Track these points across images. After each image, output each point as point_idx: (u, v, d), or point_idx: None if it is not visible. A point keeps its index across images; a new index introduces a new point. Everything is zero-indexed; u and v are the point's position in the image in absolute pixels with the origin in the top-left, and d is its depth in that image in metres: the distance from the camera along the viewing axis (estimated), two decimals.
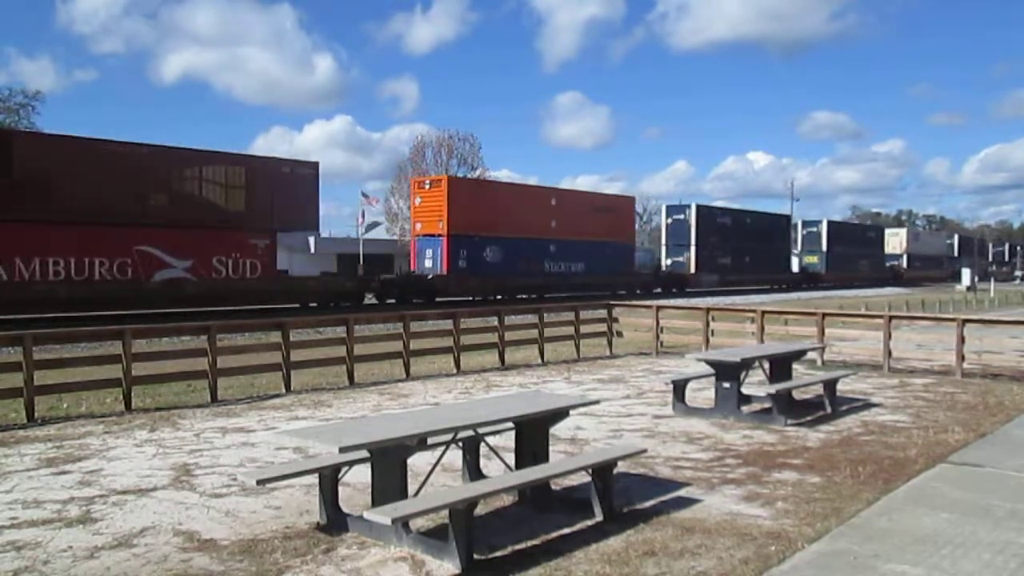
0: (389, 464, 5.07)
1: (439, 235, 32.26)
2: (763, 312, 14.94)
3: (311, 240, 52.21)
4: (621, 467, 6.25)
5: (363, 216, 46.83)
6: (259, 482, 5.29)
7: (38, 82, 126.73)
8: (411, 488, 5.13)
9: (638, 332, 16.68)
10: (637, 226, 69.09)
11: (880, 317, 14.44)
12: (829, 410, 9.44)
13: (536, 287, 35.76)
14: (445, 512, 4.70)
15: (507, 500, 5.82)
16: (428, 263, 32.58)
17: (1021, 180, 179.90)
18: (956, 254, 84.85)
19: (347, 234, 60.81)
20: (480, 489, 4.95)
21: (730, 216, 51.54)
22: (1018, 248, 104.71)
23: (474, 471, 6.24)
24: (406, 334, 12.53)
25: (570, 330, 15.56)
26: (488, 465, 6.35)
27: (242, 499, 5.94)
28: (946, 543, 4.92)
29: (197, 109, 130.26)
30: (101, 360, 10.30)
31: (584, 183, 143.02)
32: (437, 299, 30.41)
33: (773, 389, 8.96)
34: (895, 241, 74.38)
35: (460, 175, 61.44)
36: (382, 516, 4.49)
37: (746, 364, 9.31)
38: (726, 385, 9.13)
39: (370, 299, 30.48)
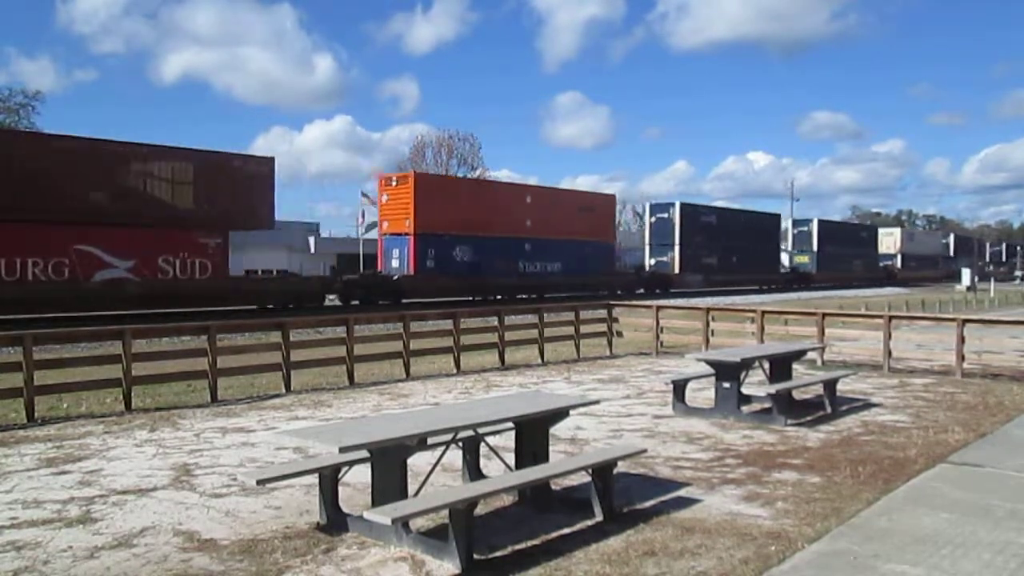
0: (389, 464, 5.07)
1: (406, 234, 31.28)
2: (763, 312, 14.94)
3: (311, 240, 52.31)
4: (621, 467, 6.25)
5: (363, 216, 46.78)
6: (259, 482, 5.29)
7: (38, 82, 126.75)
8: (411, 488, 5.13)
9: (638, 332, 16.69)
10: (636, 227, 69.14)
11: (880, 317, 14.45)
12: (829, 410, 9.44)
13: (510, 287, 34.66)
14: (445, 512, 4.70)
15: (507, 500, 5.82)
16: (395, 263, 31.63)
17: (1021, 180, 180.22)
18: (952, 254, 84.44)
19: (347, 234, 60.87)
20: (480, 489, 4.95)
21: (716, 215, 50.35)
22: (1018, 248, 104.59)
23: (474, 471, 6.24)
24: (406, 334, 12.53)
25: (570, 330, 15.57)
26: (488, 465, 6.35)
27: (242, 499, 5.94)
28: (946, 543, 4.92)
29: (197, 109, 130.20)
30: (101, 360, 10.30)
31: (584, 183, 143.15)
32: (404, 300, 29.41)
33: (773, 389, 8.96)
34: (889, 241, 73.53)
35: (460, 175, 61.58)
36: (382, 516, 4.49)
37: (746, 364, 9.31)
38: (726, 385, 9.13)
39: (332, 300, 29.35)
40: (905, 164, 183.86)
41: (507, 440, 6.18)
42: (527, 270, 36.09)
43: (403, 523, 4.73)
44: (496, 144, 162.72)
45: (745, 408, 9.14)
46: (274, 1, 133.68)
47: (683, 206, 47.42)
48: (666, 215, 46.92)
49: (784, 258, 59.66)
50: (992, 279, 57.32)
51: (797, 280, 55.05)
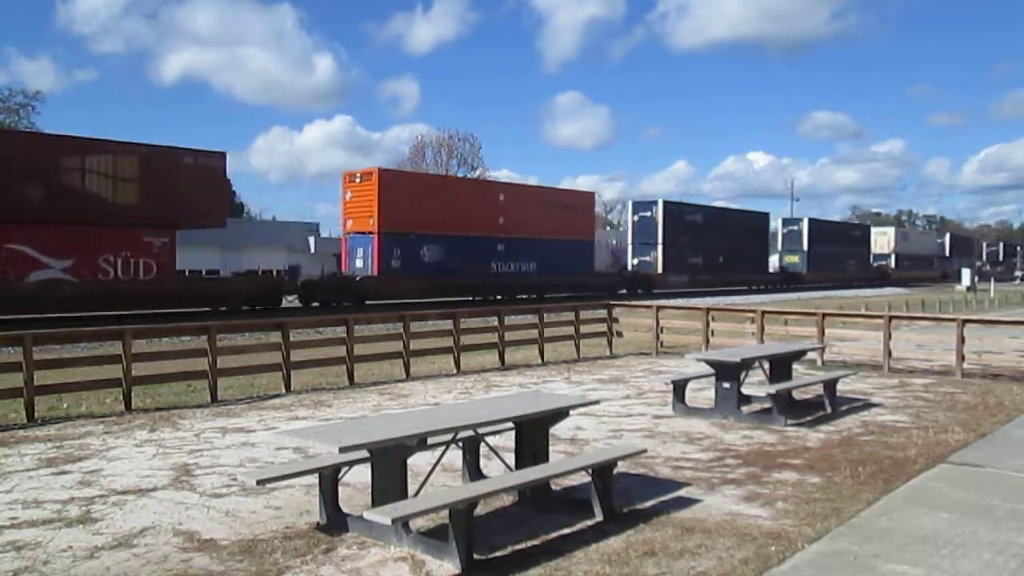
0: (389, 464, 5.07)
1: (370, 233, 29.79)
2: (763, 312, 14.95)
3: (311, 240, 52.29)
4: (621, 467, 6.25)
5: None
6: (259, 482, 5.29)
7: (38, 82, 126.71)
8: (411, 488, 5.13)
9: (638, 332, 16.69)
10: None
11: (880, 317, 14.45)
12: (829, 410, 9.45)
13: (482, 288, 33.23)
14: (445, 512, 4.70)
15: (507, 500, 5.82)
16: (359, 263, 30.20)
17: (1021, 180, 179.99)
18: (947, 254, 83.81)
19: None
20: (480, 489, 4.95)
21: (702, 213, 48.48)
22: (1017, 248, 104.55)
23: (474, 471, 6.24)
24: (406, 334, 12.53)
25: (570, 330, 15.58)
26: (488, 465, 6.35)
27: (242, 499, 5.94)
28: (946, 543, 4.92)
29: (197, 109, 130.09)
30: (101, 360, 10.30)
31: (584, 183, 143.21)
32: (368, 302, 28.45)
33: (773, 389, 8.96)
34: (883, 240, 71.98)
35: (460, 175, 61.57)
36: (382, 516, 4.49)
37: (746, 364, 9.31)
38: (726, 385, 9.13)
39: (291, 301, 28.05)
40: (905, 164, 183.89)
41: (507, 440, 6.18)
42: (500, 270, 34.58)
43: (403, 523, 4.73)
44: (496, 144, 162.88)
45: (745, 408, 9.14)
46: (274, 1, 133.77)
47: (666, 204, 45.56)
48: (649, 213, 44.86)
49: (774, 258, 58.30)
50: (992, 279, 57.21)
51: (787, 280, 53.58)
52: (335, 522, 5.27)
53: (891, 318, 14.02)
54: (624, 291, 39.97)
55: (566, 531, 5.22)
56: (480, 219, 33.38)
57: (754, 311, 15.26)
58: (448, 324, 13.44)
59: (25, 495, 6.05)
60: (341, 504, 5.40)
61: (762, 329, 14.59)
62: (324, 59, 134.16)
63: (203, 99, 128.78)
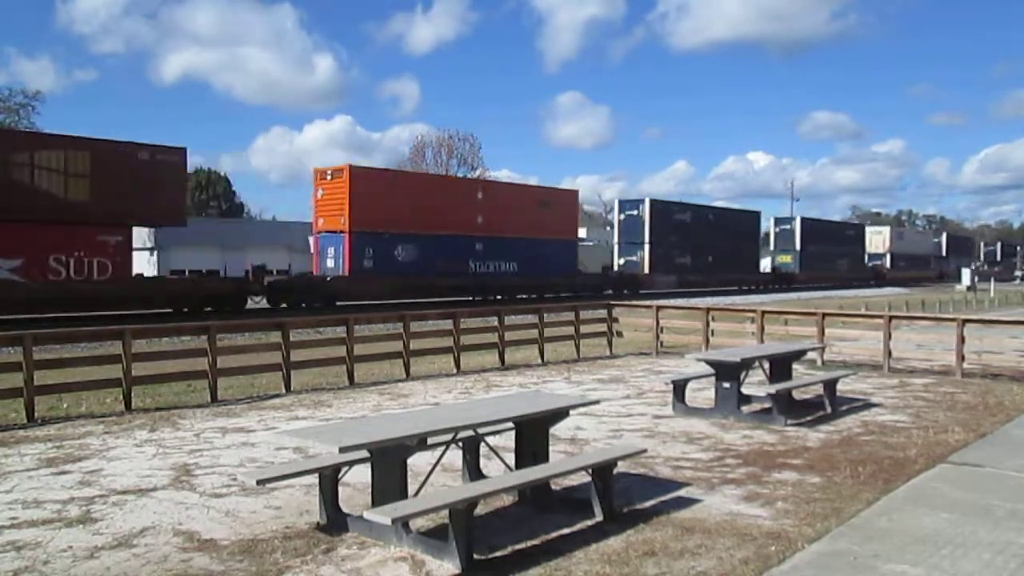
0: (389, 464, 5.07)
1: (341, 231, 28.81)
2: (763, 312, 14.95)
3: (311, 240, 52.22)
4: (621, 467, 6.25)
5: None
6: (259, 482, 5.29)
7: (38, 82, 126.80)
8: (411, 488, 5.13)
9: (638, 332, 16.70)
10: None
11: (880, 317, 14.45)
12: (829, 410, 9.45)
13: (459, 289, 32.23)
14: (445, 512, 4.70)
15: (507, 500, 5.82)
16: (330, 263, 29.22)
17: (1021, 180, 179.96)
18: (944, 254, 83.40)
19: None
20: (480, 489, 4.95)
21: (690, 212, 47.16)
22: (1017, 248, 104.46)
23: (474, 471, 6.24)
24: (406, 334, 12.53)
25: (570, 330, 15.58)
26: (488, 465, 6.35)
27: (242, 499, 5.95)
28: (946, 543, 4.92)
29: (197, 109, 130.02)
30: (101, 360, 10.30)
31: (584, 183, 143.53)
32: (338, 303, 27.74)
33: (773, 389, 8.97)
34: (878, 240, 71.17)
35: (460, 175, 61.50)
36: (382, 516, 4.49)
37: (746, 364, 9.32)
38: (726, 385, 9.13)
39: (258, 302, 27.04)
40: (905, 164, 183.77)
41: (507, 440, 6.18)
42: (478, 270, 33.45)
43: (403, 523, 4.73)
44: (496, 144, 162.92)
45: (745, 408, 9.14)
46: (274, 1, 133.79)
47: (653, 203, 44.27)
48: (635, 212, 43.51)
49: (767, 258, 57.17)
50: (992, 279, 57.15)
51: (779, 280, 52.63)
52: (335, 522, 5.27)
53: (891, 318, 14.02)
54: (609, 291, 39.08)
55: (566, 531, 5.22)
56: (457, 218, 32.33)
57: (754, 311, 15.26)
58: (448, 324, 13.44)
59: (25, 495, 6.05)
60: (341, 504, 5.40)
61: (762, 329, 14.59)
62: (324, 59, 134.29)
63: (203, 99, 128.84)
